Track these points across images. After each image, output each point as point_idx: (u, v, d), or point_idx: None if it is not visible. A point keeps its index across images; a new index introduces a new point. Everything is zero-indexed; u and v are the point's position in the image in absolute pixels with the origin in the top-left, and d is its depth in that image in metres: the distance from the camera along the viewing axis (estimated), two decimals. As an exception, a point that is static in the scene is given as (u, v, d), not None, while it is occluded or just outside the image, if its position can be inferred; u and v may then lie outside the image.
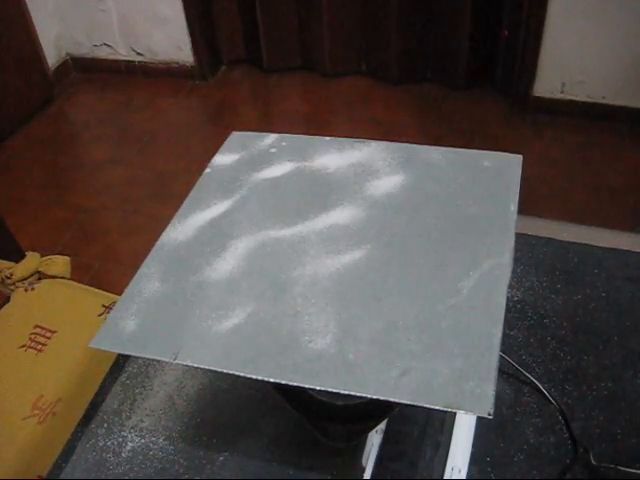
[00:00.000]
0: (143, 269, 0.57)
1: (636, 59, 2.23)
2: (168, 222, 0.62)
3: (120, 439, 0.69)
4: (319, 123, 2.56)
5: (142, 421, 0.71)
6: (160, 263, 0.58)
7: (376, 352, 0.48)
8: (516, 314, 0.78)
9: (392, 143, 0.69)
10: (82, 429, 0.71)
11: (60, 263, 1.32)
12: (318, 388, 0.46)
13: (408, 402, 0.44)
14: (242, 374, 0.47)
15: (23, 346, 1.13)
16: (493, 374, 0.45)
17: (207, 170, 0.69)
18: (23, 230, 2.02)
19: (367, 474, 0.57)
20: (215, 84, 2.87)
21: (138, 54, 2.91)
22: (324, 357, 0.48)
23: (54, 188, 2.35)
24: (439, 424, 0.60)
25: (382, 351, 0.47)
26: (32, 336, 1.14)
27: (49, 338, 1.14)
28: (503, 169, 0.64)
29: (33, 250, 1.34)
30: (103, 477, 0.66)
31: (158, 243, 0.60)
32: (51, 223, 2.18)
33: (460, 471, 0.61)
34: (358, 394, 0.45)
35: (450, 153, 0.67)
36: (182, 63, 2.87)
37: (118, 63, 2.94)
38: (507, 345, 0.74)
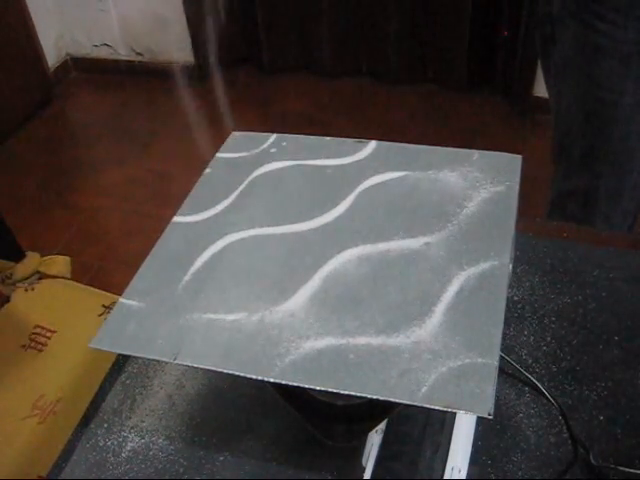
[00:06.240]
0: (143, 269, 0.57)
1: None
2: (168, 222, 0.62)
3: (120, 439, 0.69)
4: (319, 123, 2.55)
5: (142, 421, 0.71)
6: (160, 263, 0.58)
7: (376, 352, 0.48)
8: (516, 314, 0.78)
9: (392, 143, 0.69)
10: (82, 429, 0.71)
11: (60, 263, 1.32)
12: (318, 388, 0.46)
13: (408, 402, 0.44)
14: (242, 374, 0.47)
15: (23, 346, 1.13)
16: (493, 374, 0.45)
17: (207, 170, 0.69)
18: (23, 230, 2.02)
19: (367, 474, 0.57)
20: (215, 84, 2.86)
21: (138, 54, 2.91)
22: (324, 357, 0.48)
23: (54, 188, 2.35)
24: (439, 424, 0.60)
25: (382, 351, 0.48)
26: (32, 336, 1.14)
27: (49, 338, 1.14)
28: (503, 169, 0.64)
29: (33, 250, 1.34)
30: (103, 477, 0.66)
31: (158, 243, 0.60)
32: (51, 223, 2.18)
33: (460, 471, 0.61)
34: (358, 394, 0.45)
35: (450, 153, 0.67)
36: (182, 63, 2.86)
37: (118, 63, 2.94)
38: (507, 345, 0.74)
